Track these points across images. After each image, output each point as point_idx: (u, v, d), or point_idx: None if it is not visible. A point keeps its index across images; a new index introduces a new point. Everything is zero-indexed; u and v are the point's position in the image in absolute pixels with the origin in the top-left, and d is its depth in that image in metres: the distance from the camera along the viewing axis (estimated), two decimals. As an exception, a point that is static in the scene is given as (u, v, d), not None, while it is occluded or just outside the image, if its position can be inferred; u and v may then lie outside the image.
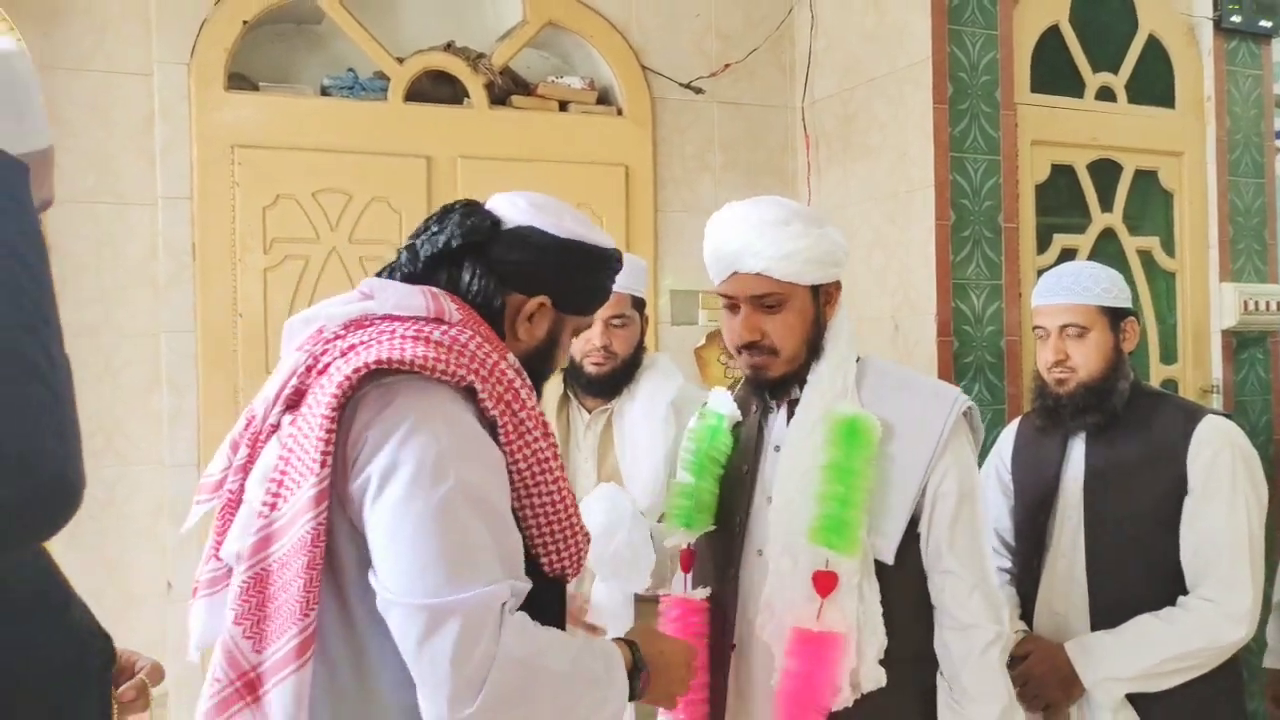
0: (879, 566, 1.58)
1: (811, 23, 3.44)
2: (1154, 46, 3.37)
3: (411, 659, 1.18)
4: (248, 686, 1.22)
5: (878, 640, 1.55)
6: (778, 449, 1.69)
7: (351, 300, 1.35)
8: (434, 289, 1.34)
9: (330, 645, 1.24)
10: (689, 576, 1.75)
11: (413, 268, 1.38)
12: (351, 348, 1.27)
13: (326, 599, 1.23)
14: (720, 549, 1.72)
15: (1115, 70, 3.30)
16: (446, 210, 1.41)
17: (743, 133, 3.49)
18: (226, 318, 2.87)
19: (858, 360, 1.69)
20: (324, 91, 3.05)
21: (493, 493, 1.25)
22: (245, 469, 1.33)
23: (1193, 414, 1.97)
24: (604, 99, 3.35)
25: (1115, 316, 2.02)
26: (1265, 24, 3.45)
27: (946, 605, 1.60)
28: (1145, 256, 3.37)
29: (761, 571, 1.64)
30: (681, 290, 3.37)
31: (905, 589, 1.59)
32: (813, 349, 1.66)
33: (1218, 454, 1.89)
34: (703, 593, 1.73)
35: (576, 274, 1.43)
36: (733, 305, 1.65)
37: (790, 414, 1.70)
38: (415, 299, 1.31)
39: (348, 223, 2.99)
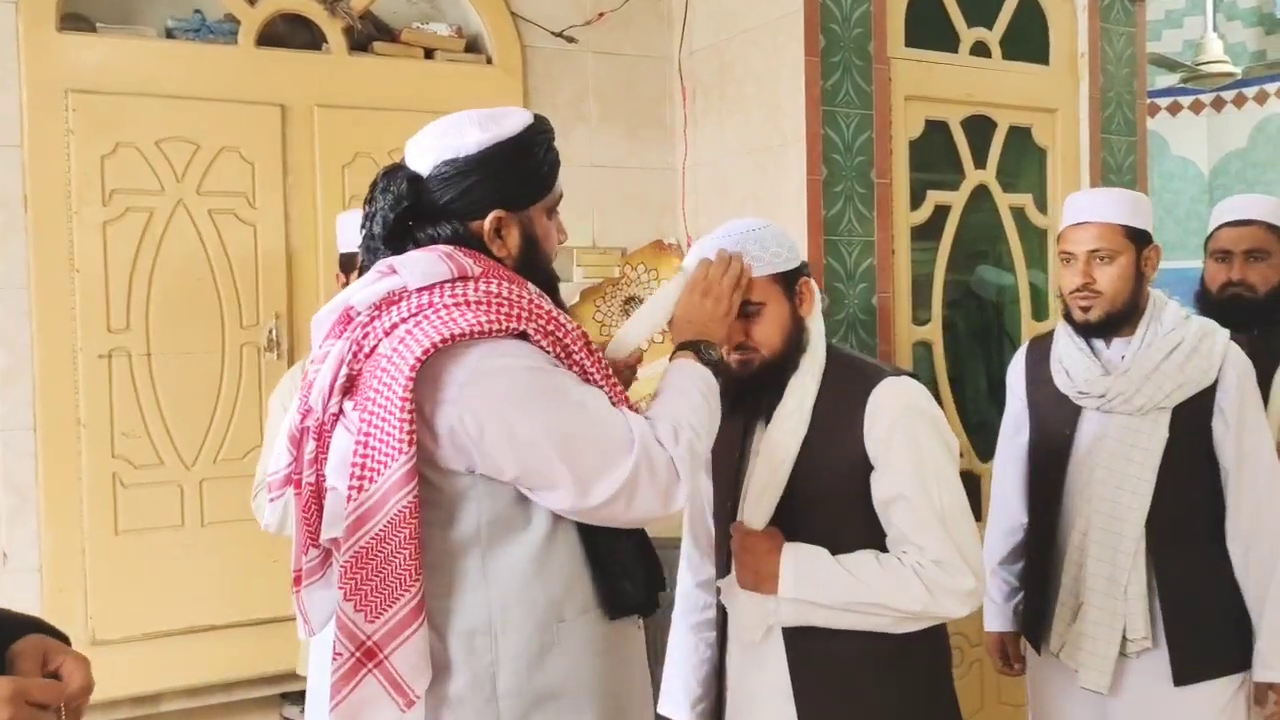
0: None
1: (688, -29, 3.36)
2: (1029, 2, 3.36)
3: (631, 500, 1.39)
4: (367, 654, 1.35)
5: None
6: None
7: (373, 281, 1.43)
8: (445, 249, 1.42)
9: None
10: None
11: (383, 248, 1.47)
12: (395, 326, 1.37)
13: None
14: None
15: (990, 26, 3.29)
16: (372, 187, 1.51)
17: (619, 83, 3.40)
18: (63, 273, 2.71)
19: None
20: (168, 34, 2.88)
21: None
22: (319, 460, 1.46)
23: (869, 379, 1.74)
24: (472, 47, 3.23)
25: (788, 282, 1.74)
26: (1139, -19, 3.47)
27: None
28: (1018, 213, 3.38)
29: None
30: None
31: None
32: None
33: (894, 422, 1.68)
34: None
35: (508, 174, 1.47)
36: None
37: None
38: (438, 266, 1.39)
39: (195, 174, 2.83)
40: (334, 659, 1.36)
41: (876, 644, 1.70)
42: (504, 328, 1.37)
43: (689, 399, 1.50)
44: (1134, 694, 2.20)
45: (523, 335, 1.40)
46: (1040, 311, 3.43)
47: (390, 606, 1.35)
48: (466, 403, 1.35)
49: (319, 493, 1.47)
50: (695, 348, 1.60)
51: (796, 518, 1.71)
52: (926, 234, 3.22)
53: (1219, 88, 5.38)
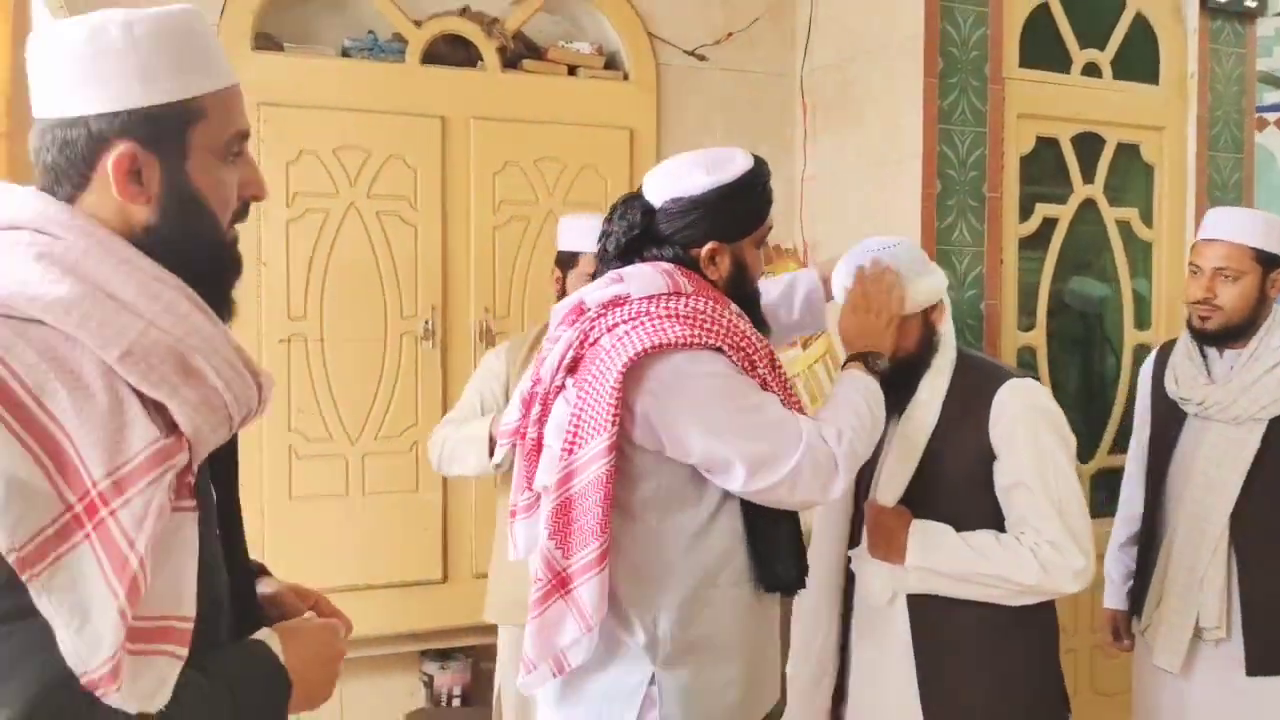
0: None
1: (812, -6, 3.58)
2: (1140, 24, 3.50)
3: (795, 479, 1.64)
4: (560, 583, 1.63)
5: None
6: None
7: (604, 285, 1.71)
8: (666, 266, 1.69)
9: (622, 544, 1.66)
10: None
11: (613, 260, 1.74)
12: (616, 325, 1.65)
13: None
14: None
15: (1102, 47, 3.44)
16: (613, 210, 1.79)
17: (744, 99, 3.63)
18: (251, 266, 3.05)
19: None
20: (345, 53, 3.20)
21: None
22: (541, 421, 1.75)
23: (995, 379, 1.96)
24: (611, 64, 3.49)
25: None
26: (1250, 3, 3.58)
27: None
28: (1124, 227, 3.53)
29: None
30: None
31: None
32: None
33: (1017, 418, 1.90)
34: None
35: (726, 213, 1.73)
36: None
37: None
38: (658, 281, 1.66)
39: (366, 178, 3.15)
40: (535, 583, 1.66)
41: (994, 614, 1.91)
42: (703, 342, 1.62)
43: (855, 408, 1.74)
44: (1210, 679, 2.37)
45: (719, 349, 1.64)
46: (1143, 320, 3.57)
47: (582, 549, 1.61)
48: (665, 399, 1.62)
49: (539, 447, 1.76)
50: (864, 359, 1.83)
51: (924, 498, 1.94)
52: (1034, 244, 3.39)
53: (1329, 103, 5.38)
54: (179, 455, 0.95)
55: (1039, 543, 1.86)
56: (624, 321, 1.65)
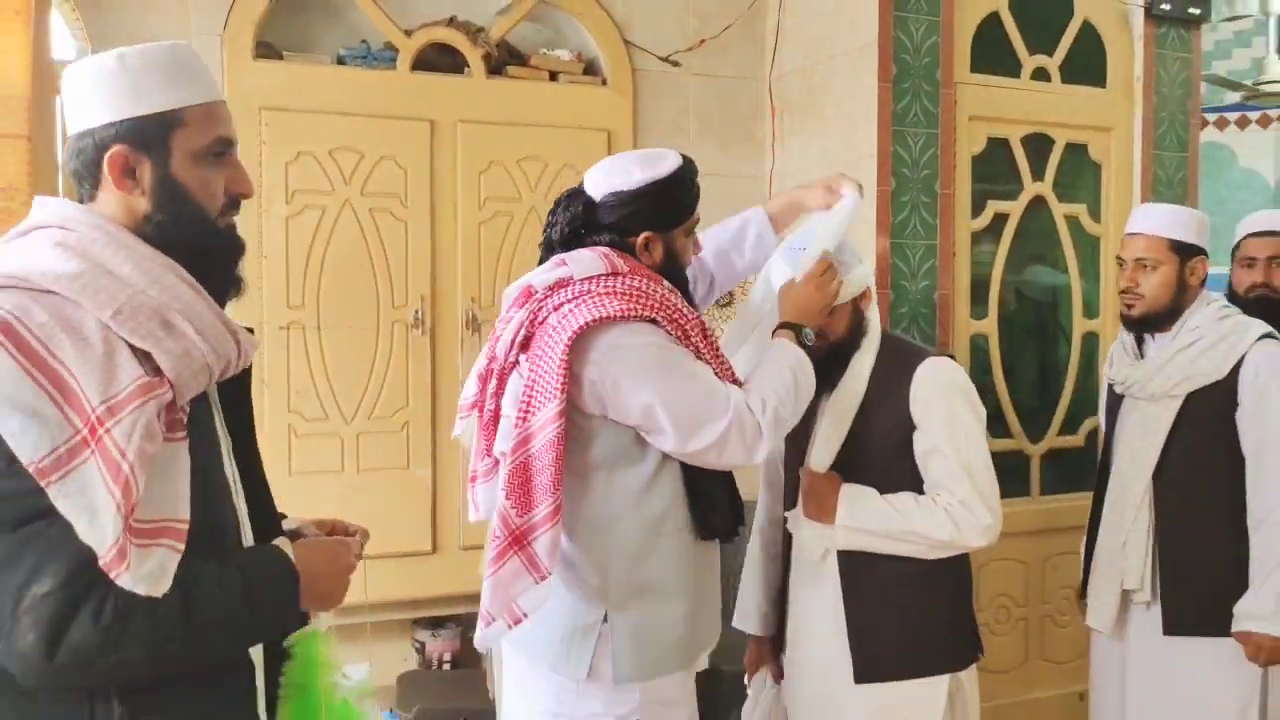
0: None
1: (779, 3, 3.81)
2: (1089, 31, 3.71)
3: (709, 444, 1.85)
4: (516, 540, 1.80)
5: None
6: None
7: (549, 269, 1.90)
8: (605, 250, 1.88)
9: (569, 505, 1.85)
10: None
11: (555, 249, 1.94)
12: (561, 304, 1.83)
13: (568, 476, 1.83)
14: None
15: (1051, 53, 3.65)
16: (556, 203, 1.99)
17: (716, 102, 3.86)
18: (253, 259, 3.28)
19: None
20: (340, 61, 3.43)
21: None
22: (498, 394, 1.94)
23: (915, 357, 2.17)
24: (590, 70, 3.72)
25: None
26: (1194, 10, 3.79)
27: None
28: (1073, 222, 3.74)
29: None
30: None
31: None
32: None
33: (934, 392, 2.12)
34: None
35: (660, 205, 1.92)
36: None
37: None
38: (597, 263, 1.86)
39: (359, 178, 3.38)
40: (492, 541, 1.84)
41: (913, 568, 2.14)
42: (639, 314, 1.82)
43: (782, 376, 1.94)
44: (1142, 640, 2.59)
45: (653, 320, 1.84)
46: (1091, 310, 3.79)
47: (536, 506, 1.79)
48: (607, 367, 1.82)
49: (496, 417, 1.95)
50: (794, 330, 2.03)
51: (853, 464, 2.17)
52: (987, 238, 3.61)
53: (1280, 106, 5.56)
54: (161, 390, 1.19)
55: (951, 503, 2.09)
56: (568, 301, 1.83)
